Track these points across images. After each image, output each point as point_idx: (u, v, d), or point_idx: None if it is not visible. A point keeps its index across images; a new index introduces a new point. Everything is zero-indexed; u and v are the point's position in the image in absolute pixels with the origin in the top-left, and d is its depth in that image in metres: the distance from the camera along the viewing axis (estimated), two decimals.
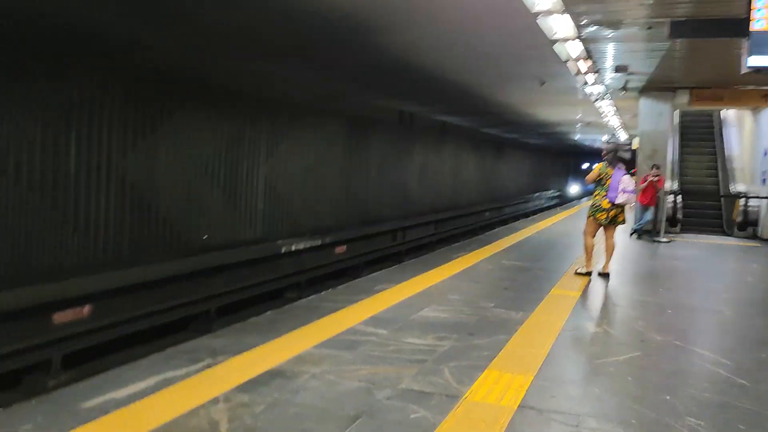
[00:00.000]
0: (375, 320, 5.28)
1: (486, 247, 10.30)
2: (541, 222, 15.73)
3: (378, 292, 6.41)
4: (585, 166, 45.51)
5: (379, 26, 7.96)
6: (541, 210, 29.24)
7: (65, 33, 7.80)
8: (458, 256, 9.04)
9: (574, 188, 47.68)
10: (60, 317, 7.80)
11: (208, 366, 3.98)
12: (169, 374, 3.81)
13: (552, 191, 43.22)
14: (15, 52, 7.56)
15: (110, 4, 6.90)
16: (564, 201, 38.48)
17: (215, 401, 3.43)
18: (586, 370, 4.35)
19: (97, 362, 7.36)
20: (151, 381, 3.69)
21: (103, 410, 3.25)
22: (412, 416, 3.34)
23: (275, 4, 6.95)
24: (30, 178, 7.77)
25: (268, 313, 5.55)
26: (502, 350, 4.56)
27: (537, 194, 38.43)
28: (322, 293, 6.45)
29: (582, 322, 5.62)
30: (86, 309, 8.13)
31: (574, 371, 4.32)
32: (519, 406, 3.53)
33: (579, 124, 22.57)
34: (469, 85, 13.23)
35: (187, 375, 3.81)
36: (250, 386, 3.67)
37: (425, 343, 4.67)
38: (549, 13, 6.95)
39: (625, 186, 7.60)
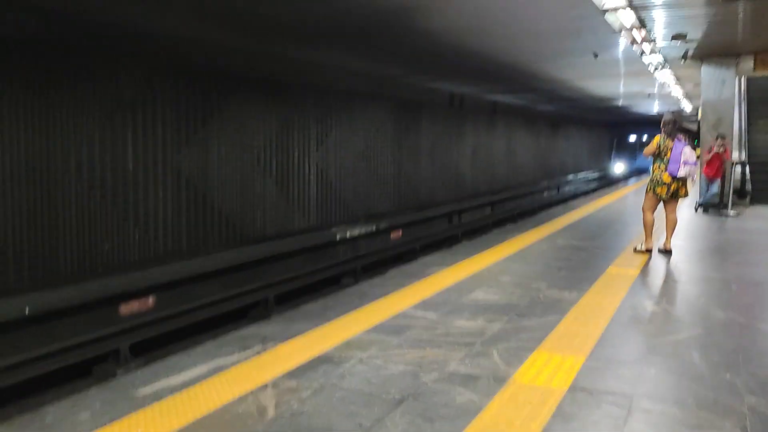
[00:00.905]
0: (424, 304, 5.26)
1: (541, 227, 10.09)
2: (599, 200, 15.31)
3: (429, 275, 6.38)
4: (632, 138, 40.37)
5: (423, 9, 7.86)
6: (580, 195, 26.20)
7: (117, 31, 8.04)
8: (512, 237, 8.89)
9: (618, 166, 39.59)
10: (126, 308, 8.12)
11: (258, 353, 4.05)
12: (221, 361, 3.90)
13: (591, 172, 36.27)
14: (74, 55, 7.85)
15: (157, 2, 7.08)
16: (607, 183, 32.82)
17: (263, 387, 3.49)
18: (642, 350, 4.20)
19: (163, 350, 7.63)
20: (204, 368, 3.79)
21: (157, 396, 3.36)
22: (458, 399, 3.31)
23: None
24: (91, 177, 8.09)
25: (320, 299, 5.60)
26: (553, 331, 4.46)
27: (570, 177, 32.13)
28: (374, 279, 6.48)
29: (640, 301, 5.43)
30: (150, 300, 8.43)
31: (630, 351, 4.18)
32: (569, 387, 3.45)
33: (621, 98, 21.73)
34: (520, 63, 12.95)
35: (238, 362, 3.89)
36: (297, 372, 3.72)
37: (474, 326, 4.62)
38: None
39: (686, 158, 7.29)
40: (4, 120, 7.00)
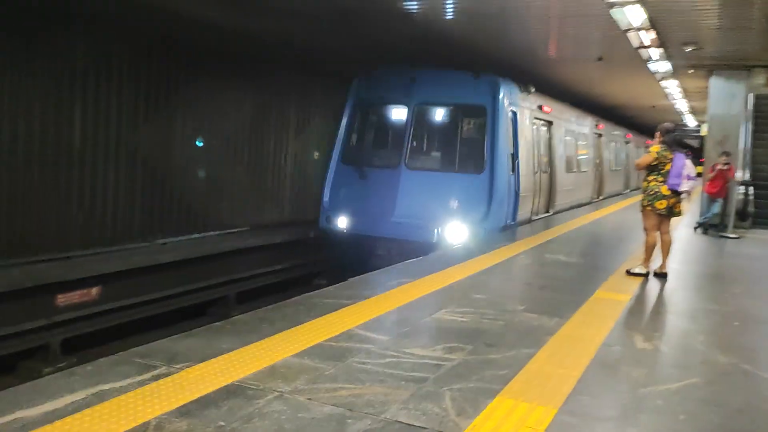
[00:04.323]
0: (377, 322, 4.53)
1: (529, 237, 9.35)
2: (593, 212, 14.56)
3: (393, 287, 5.63)
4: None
5: None
6: None
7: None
8: (497, 247, 8.14)
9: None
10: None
11: (158, 377, 3.29)
12: (106, 386, 3.14)
13: None
14: None
15: None
16: None
17: (143, 427, 2.73)
18: (626, 403, 3.43)
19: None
20: (80, 395, 3.03)
21: None
22: None
23: None
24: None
25: (259, 310, 4.84)
26: (523, 369, 3.72)
27: None
28: (328, 288, 5.69)
29: (628, 335, 4.70)
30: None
31: (611, 403, 3.42)
32: None
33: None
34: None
35: (127, 389, 3.12)
36: (195, 407, 2.96)
37: (430, 356, 3.87)
38: None
39: (689, 171, 6.60)
40: None
